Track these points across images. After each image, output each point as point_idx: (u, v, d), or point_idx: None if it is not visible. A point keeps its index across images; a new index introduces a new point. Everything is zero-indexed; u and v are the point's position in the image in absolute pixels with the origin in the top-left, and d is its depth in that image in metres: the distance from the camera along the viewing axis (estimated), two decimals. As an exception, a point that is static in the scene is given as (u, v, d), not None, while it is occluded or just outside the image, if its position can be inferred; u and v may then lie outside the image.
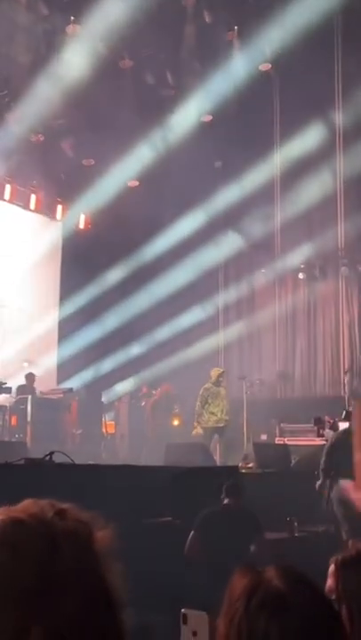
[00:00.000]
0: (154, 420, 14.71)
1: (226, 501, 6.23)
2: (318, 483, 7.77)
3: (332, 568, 2.19)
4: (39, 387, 13.82)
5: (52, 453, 6.21)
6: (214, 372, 13.78)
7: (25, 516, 0.93)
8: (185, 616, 1.72)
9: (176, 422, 15.02)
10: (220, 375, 13.64)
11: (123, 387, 15.84)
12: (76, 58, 13.29)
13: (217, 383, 13.51)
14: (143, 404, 15.63)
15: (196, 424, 13.40)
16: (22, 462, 6.22)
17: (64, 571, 0.88)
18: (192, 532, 6.00)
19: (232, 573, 1.33)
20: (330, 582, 2.14)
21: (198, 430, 13.30)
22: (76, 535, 0.92)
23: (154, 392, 15.82)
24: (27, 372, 13.77)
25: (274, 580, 1.28)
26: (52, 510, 0.95)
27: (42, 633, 0.84)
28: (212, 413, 13.16)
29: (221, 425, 13.22)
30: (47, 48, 13.32)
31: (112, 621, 0.87)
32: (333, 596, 2.05)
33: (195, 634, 1.72)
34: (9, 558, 0.87)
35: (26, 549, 0.88)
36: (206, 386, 13.53)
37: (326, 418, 8.37)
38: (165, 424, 14.75)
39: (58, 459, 6.21)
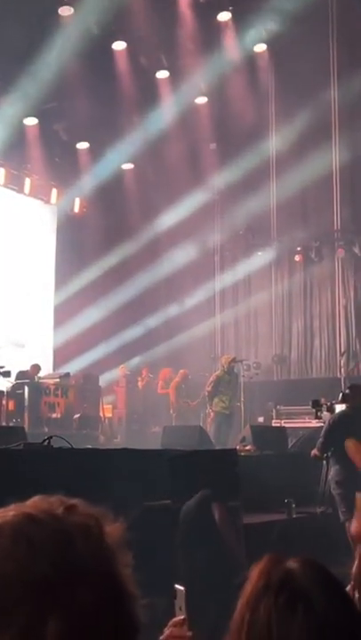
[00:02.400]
0: (177, 401, 14.73)
1: None
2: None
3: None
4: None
5: (50, 438, 6.21)
6: (225, 360, 13.79)
7: (36, 511, 0.94)
8: (174, 591, 1.81)
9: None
10: (231, 361, 13.63)
11: (121, 370, 15.84)
12: (70, 40, 13.18)
13: (229, 371, 13.53)
14: (144, 387, 15.71)
15: (209, 409, 13.55)
16: (21, 447, 6.22)
17: (79, 563, 0.89)
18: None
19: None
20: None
21: (210, 414, 13.48)
22: (88, 529, 0.92)
23: (151, 375, 15.85)
24: (27, 360, 13.73)
25: (300, 577, 1.30)
26: (62, 505, 0.96)
27: (59, 624, 0.85)
28: (222, 401, 13.24)
29: (227, 412, 13.30)
30: (40, 30, 13.20)
31: (127, 612, 0.88)
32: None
33: (180, 608, 1.81)
34: (25, 552, 0.87)
35: (41, 543, 0.89)
36: (218, 373, 13.57)
37: (323, 400, 8.37)
38: (191, 406, 14.81)
39: (56, 443, 6.21)
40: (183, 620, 1.79)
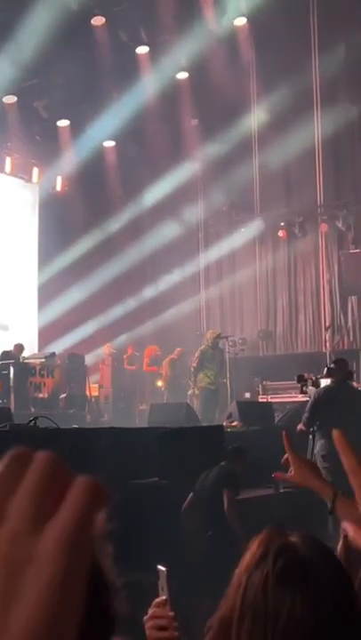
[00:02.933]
0: (172, 377, 14.72)
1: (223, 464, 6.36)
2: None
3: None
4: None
5: (36, 419, 6.22)
6: (210, 335, 13.72)
7: None
8: (157, 572, 1.86)
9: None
10: (216, 337, 13.57)
11: (107, 349, 15.83)
12: (48, 16, 12.99)
13: (214, 346, 13.48)
14: (130, 365, 15.72)
15: (192, 384, 13.50)
16: (7, 428, 6.22)
17: None
18: (190, 494, 6.12)
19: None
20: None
21: (195, 391, 13.41)
22: None
23: (137, 353, 15.85)
24: (11, 341, 13.67)
25: (300, 548, 1.32)
26: None
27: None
28: (206, 375, 13.19)
29: (213, 387, 13.26)
30: (17, 7, 13.00)
31: (103, 606, 0.87)
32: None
33: (162, 589, 1.84)
34: None
35: None
36: (202, 348, 13.52)
37: (307, 375, 8.40)
38: (182, 383, 14.82)
39: (43, 424, 6.22)
40: (165, 600, 1.80)
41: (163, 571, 1.85)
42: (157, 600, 1.82)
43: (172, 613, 1.78)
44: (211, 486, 6.11)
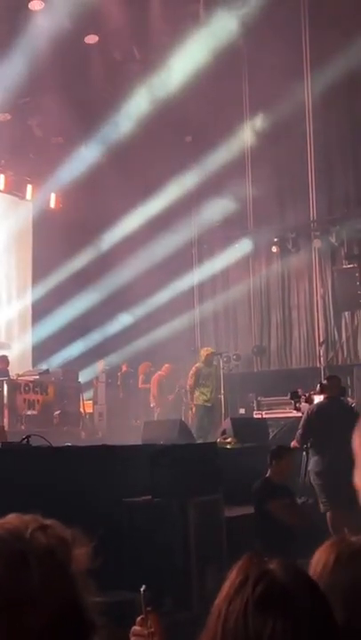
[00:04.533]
0: (160, 395, 14.75)
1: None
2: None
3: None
4: (15, 369, 13.74)
5: (29, 437, 6.20)
6: (204, 352, 13.82)
7: (2, 530, 0.92)
8: (140, 593, 1.99)
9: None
10: (209, 355, 13.64)
11: (100, 365, 15.81)
12: (42, 34, 13.07)
13: (208, 363, 13.54)
14: (124, 381, 15.70)
15: (190, 402, 13.55)
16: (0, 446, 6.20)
17: (32, 588, 0.87)
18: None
19: None
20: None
21: (192, 408, 13.49)
22: (52, 554, 0.91)
23: (131, 370, 15.84)
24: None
25: (279, 574, 1.32)
26: (34, 525, 0.94)
27: None
28: (203, 393, 13.24)
29: (209, 405, 13.30)
30: (10, 25, 13.08)
31: None
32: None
33: (142, 607, 1.97)
34: None
35: None
36: (198, 365, 13.57)
37: (300, 391, 8.41)
38: (169, 400, 14.84)
39: (35, 442, 6.20)
40: (142, 619, 1.93)
41: (141, 591, 1.97)
42: (138, 618, 1.93)
43: (151, 629, 1.88)
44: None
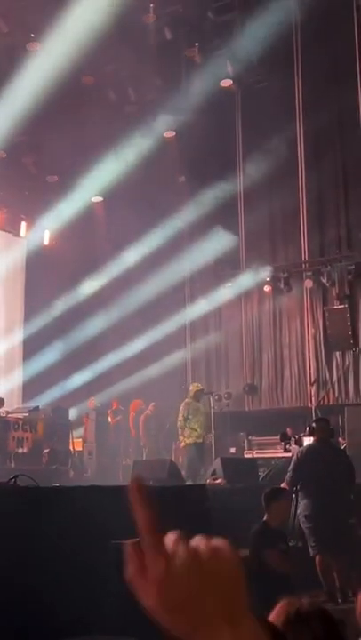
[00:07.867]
0: (147, 434, 14.69)
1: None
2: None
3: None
4: (5, 406, 13.65)
5: (16, 477, 6.13)
6: (192, 388, 13.77)
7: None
8: None
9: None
10: (197, 391, 13.59)
11: (91, 403, 15.73)
12: (38, 75, 13.26)
13: (196, 399, 13.49)
14: (114, 418, 15.61)
15: (181, 438, 13.43)
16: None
17: None
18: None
19: None
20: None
21: (183, 444, 13.37)
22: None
23: (122, 407, 15.77)
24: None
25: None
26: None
27: None
28: (193, 429, 13.12)
29: (200, 441, 13.21)
30: (8, 65, 13.28)
31: None
32: None
33: None
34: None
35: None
36: (187, 400, 13.50)
37: (289, 432, 8.39)
38: (158, 438, 14.77)
39: (23, 482, 6.13)
40: None
41: None
42: None
43: None
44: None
